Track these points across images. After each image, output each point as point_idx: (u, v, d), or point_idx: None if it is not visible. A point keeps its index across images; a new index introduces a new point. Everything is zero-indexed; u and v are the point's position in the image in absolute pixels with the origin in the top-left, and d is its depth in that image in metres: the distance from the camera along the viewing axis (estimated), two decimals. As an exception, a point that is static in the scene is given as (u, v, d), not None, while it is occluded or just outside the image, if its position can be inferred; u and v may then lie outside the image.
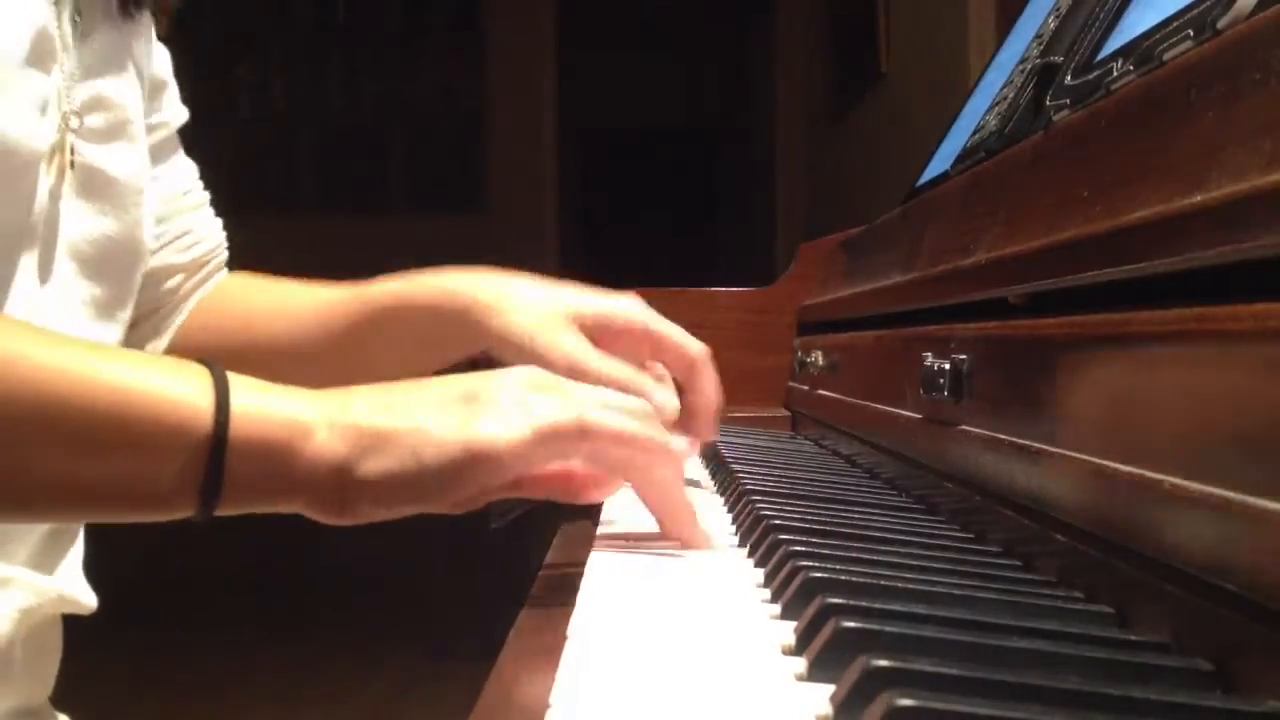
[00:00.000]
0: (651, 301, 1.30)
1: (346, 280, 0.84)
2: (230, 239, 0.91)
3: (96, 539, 0.73)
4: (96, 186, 0.68)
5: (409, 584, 3.36)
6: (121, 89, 0.71)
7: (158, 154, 0.80)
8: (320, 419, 0.51)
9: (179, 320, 0.85)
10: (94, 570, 0.73)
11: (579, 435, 0.54)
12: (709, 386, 0.81)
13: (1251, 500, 0.33)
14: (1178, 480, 0.38)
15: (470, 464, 0.51)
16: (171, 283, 0.83)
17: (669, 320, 0.82)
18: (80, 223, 0.67)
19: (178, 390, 0.50)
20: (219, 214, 0.91)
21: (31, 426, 0.48)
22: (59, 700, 0.73)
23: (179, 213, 0.83)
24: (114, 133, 0.70)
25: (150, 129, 0.78)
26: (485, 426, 0.52)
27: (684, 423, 0.83)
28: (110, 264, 0.69)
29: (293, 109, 5.47)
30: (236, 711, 2.63)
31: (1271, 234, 0.34)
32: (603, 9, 5.57)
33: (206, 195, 0.87)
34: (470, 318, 0.80)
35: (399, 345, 0.83)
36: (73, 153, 0.65)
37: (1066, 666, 0.36)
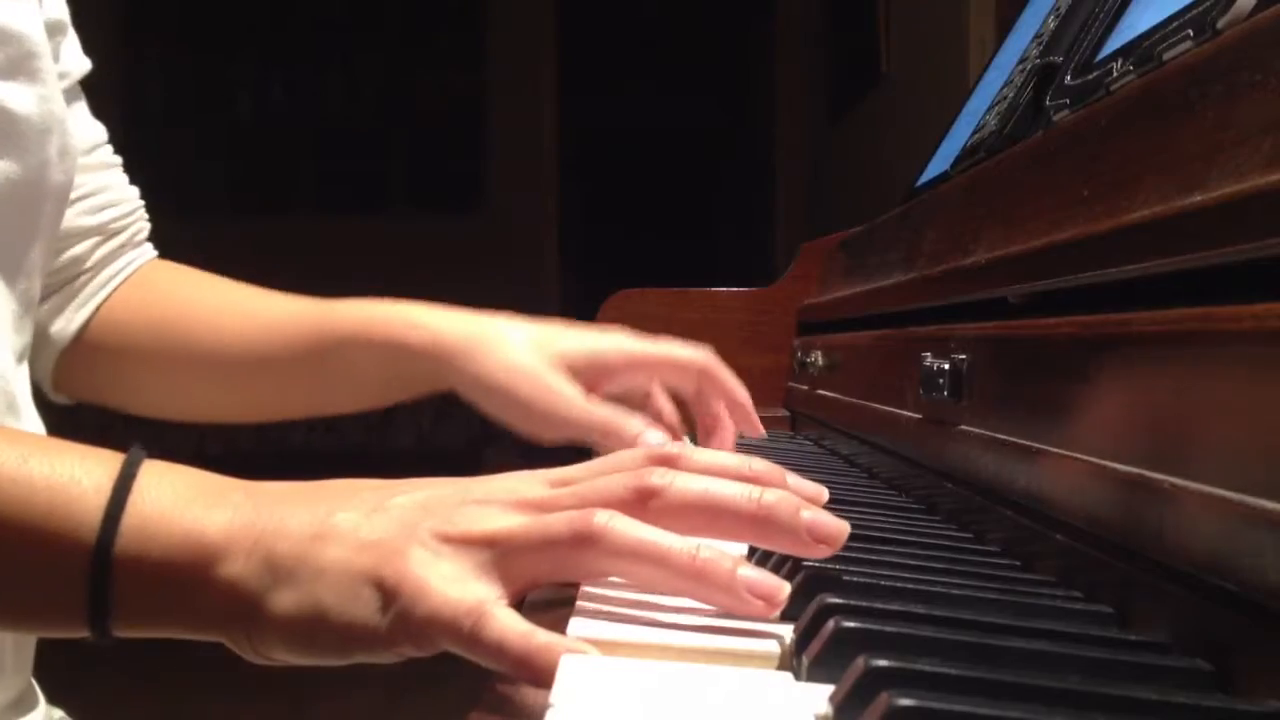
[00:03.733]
0: (652, 301, 1.29)
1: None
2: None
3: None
4: None
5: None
6: (19, 17, 0.64)
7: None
8: (237, 543, 0.43)
9: (95, 300, 0.79)
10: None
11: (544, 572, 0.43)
12: (730, 385, 0.79)
13: (1251, 500, 0.33)
14: (1178, 480, 0.38)
15: (402, 635, 0.41)
16: (78, 249, 0.78)
17: (660, 339, 0.79)
18: None
19: (70, 484, 0.44)
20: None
21: None
22: (53, 694, 0.73)
23: (83, 170, 0.76)
24: (14, 67, 0.64)
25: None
26: (430, 589, 0.41)
27: (718, 433, 0.80)
28: (9, 207, 0.64)
29: (293, 109, 5.48)
30: (234, 709, 2.63)
31: (1271, 234, 0.34)
32: (603, 9, 5.57)
33: (118, 159, 0.82)
34: (441, 360, 0.74)
35: (359, 376, 0.78)
36: None
37: (1066, 666, 0.36)
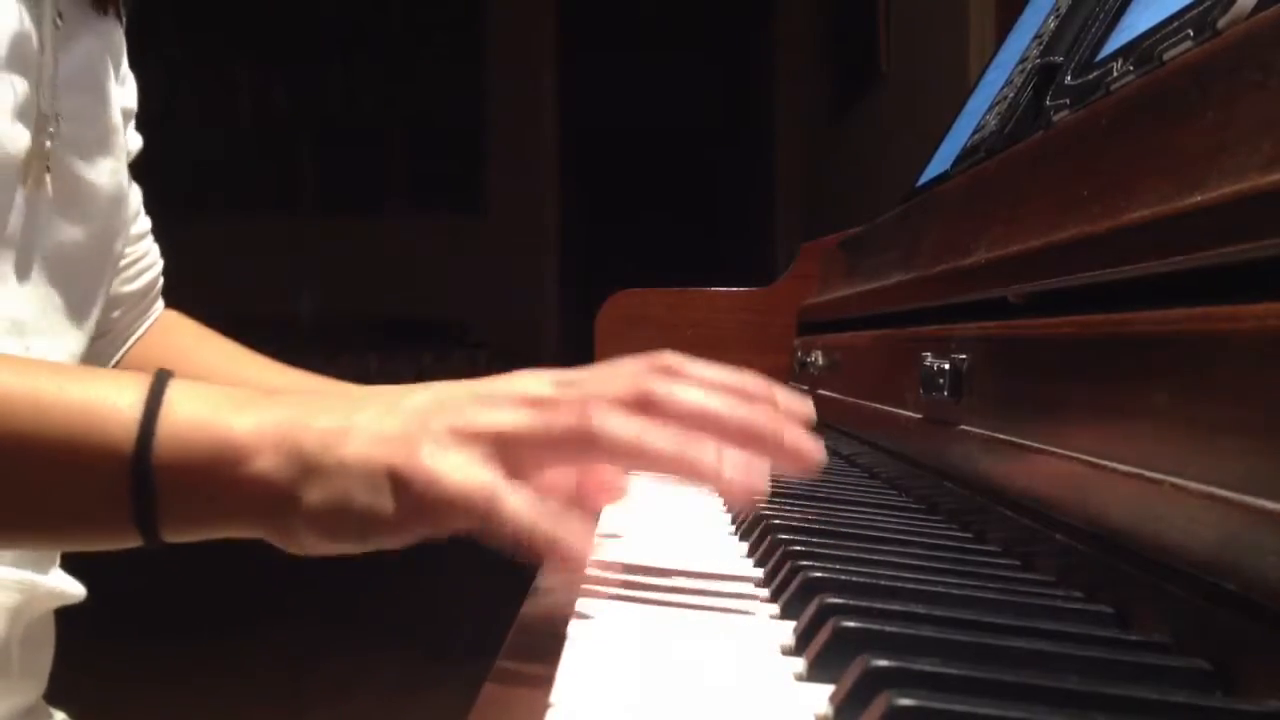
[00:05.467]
0: (653, 302, 1.29)
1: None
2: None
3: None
4: (74, 196, 0.67)
5: (407, 582, 3.36)
6: (104, 98, 0.70)
7: None
8: (265, 441, 0.47)
9: (118, 355, 0.83)
10: (91, 566, 0.73)
11: (541, 450, 0.47)
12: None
13: (1251, 500, 0.33)
14: (1178, 480, 0.38)
15: (418, 517, 0.45)
16: (116, 313, 0.82)
17: None
18: (54, 230, 0.66)
19: (105, 403, 0.47)
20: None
21: None
22: (55, 696, 0.73)
23: (132, 241, 0.82)
24: (97, 144, 0.69)
25: None
26: (443, 476, 0.45)
27: None
28: (79, 272, 0.69)
29: (293, 109, 5.47)
30: (234, 708, 2.63)
31: (1271, 234, 0.34)
32: (603, 9, 5.57)
33: (148, 221, 0.86)
34: None
35: None
36: (49, 160, 0.64)
37: (1066, 666, 0.36)
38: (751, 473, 0.46)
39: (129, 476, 0.46)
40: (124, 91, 0.77)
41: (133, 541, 0.48)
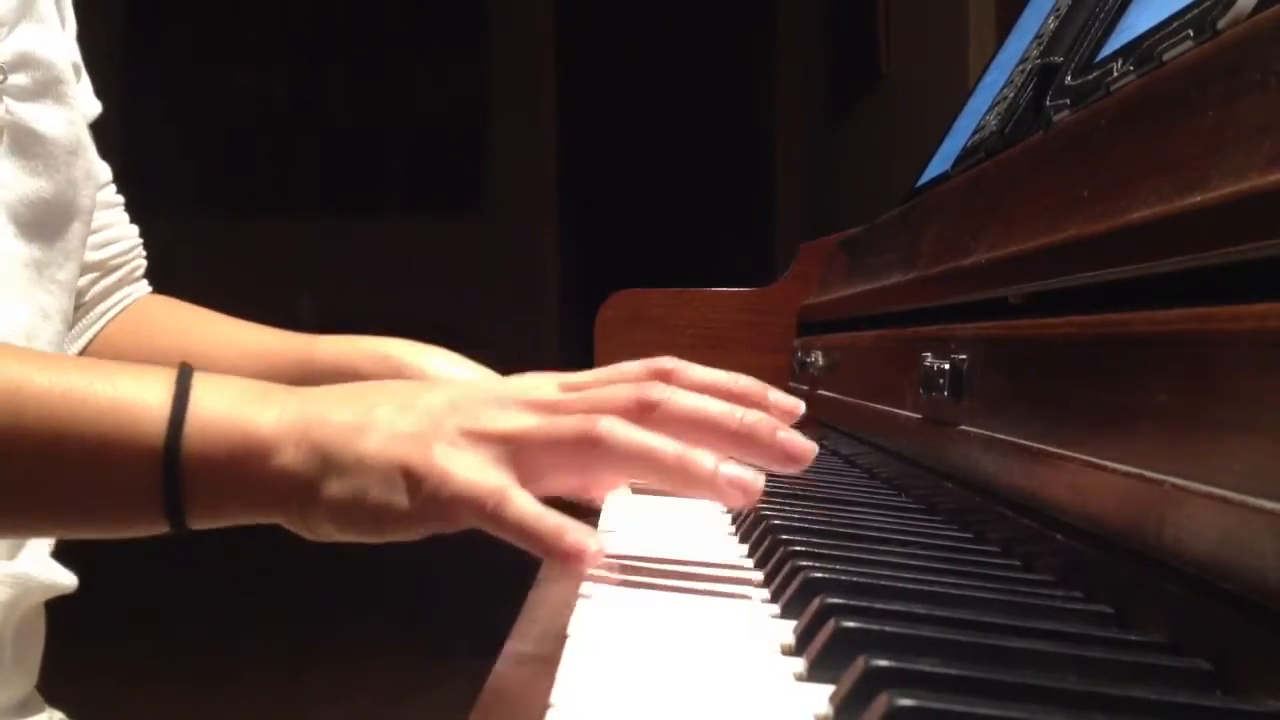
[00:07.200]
0: (653, 301, 1.29)
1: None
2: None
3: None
4: (27, 145, 0.66)
5: (408, 581, 3.37)
6: (47, 44, 0.68)
7: None
8: (287, 436, 0.49)
9: (90, 332, 0.82)
10: (90, 564, 0.73)
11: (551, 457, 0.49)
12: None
13: (1251, 500, 0.33)
14: (1178, 480, 0.38)
15: (430, 514, 0.48)
16: (80, 282, 0.80)
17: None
18: (13, 183, 0.66)
19: (135, 400, 0.49)
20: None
21: None
22: (53, 695, 0.73)
23: (98, 206, 0.79)
24: (43, 91, 0.68)
25: None
26: (454, 476, 0.47)
27: None
28: (45, 225, 0.68)
29: (293, 109, 5.47)
30: (234, 708, 2.63)
31: (1271, 234, 0.34)
32: (603, 9, 5.57)
33: (120, 198, 0.85)
34: None
35: None
36: (6, 112, 0.64)
37: (1066, 666, 0.36)
38: (747, 481, 0.49)
39: (160, 471, 0.49)
40: (71, 45, 0.74)
41: (160, 529, 0.50)
